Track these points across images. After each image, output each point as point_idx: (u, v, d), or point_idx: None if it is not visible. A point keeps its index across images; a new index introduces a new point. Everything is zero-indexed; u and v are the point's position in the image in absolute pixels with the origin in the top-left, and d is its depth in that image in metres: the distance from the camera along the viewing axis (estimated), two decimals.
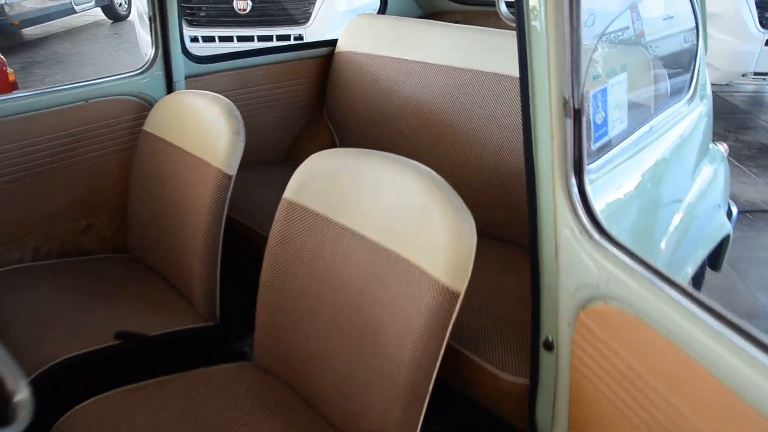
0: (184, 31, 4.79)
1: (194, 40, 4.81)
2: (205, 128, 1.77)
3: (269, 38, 4.67)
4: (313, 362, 1.41)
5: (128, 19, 9.48)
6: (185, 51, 2.11)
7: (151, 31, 1.99)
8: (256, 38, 4.73)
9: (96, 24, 9.51)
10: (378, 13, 2.60)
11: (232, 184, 1.68)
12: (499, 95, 1.91)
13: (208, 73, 2.22)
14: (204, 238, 1.71)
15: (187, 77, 2.16)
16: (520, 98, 1.01)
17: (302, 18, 4.71)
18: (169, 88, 2.10)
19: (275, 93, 2.45)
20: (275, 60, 2.40)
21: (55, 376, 1.46)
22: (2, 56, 3.46)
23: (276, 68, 2.41)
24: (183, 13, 4.82)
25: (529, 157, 1.03)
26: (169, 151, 1.88)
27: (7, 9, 7.85)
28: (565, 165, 0.96)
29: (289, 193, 1.43)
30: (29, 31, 8.72)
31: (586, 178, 0.96)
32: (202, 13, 4.83)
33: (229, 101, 1.76)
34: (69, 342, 1.53)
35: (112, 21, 9.57)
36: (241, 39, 4.73)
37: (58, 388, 1.46)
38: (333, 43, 2.47)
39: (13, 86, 3.41)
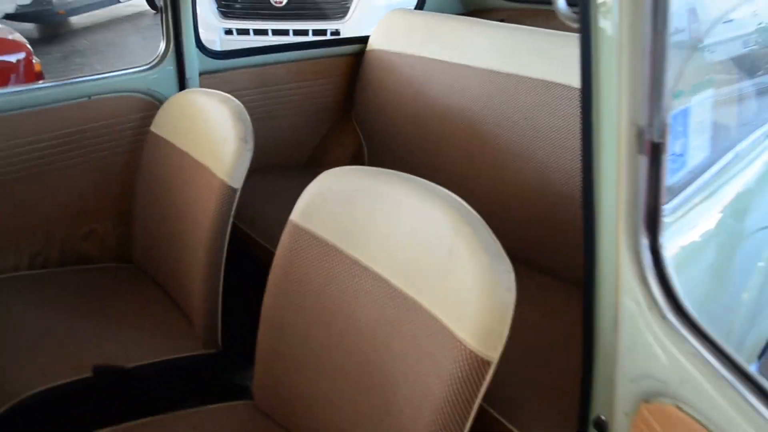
0: (218, 23, 4.71)
1: (228, 32, 4.67)
2: (211, 132, 1.58)
3: (305, 33, 4.49)
4: (317, 411, 1.21)
5: None
6: (200, 45, 1.92)
7: (161, 22, 1.81)
8: (291, 32, 4.57)
9: (140, 14, 9.54)
10: (415, 8, 2.37)
11: (237, 198, 1.48)
12: (547, 105, 1.66)
13: (224, 69, 2.04)
14: (205, 255, 1.52)
15: (201, 74, 1.98)
16: (581, 120, 0.77)
17: (340, 13, 4.52)
18: (182, 85, 1.92)
19: (299, 93, 2.25)
20: (299, 57, 2.20)
21: (28, 411, 1.29)
22: (29, 46, 3.37)
23: (300, 66, 2.21)
24: (218, 4, 4.68)
25: (588, 199, 0.79)
26: (175, 156, 1.70)
27: None
28: (634, 217, 0.73)
29: (296, 215, 1.23)
30: (76, 20, 8.78)
31: (662, 238, 0.72)
32: (238, 5, 4.69)
33: (239, 103, 1.57)
34: (48, 371, 1.37)
35: (155, 12, 9.59)
36: (276, 33, 4.57)
37: (29, 425, 1.30)
38: (364, 40, 2.25)
39: (38, 76, 3.31)
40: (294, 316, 1.23)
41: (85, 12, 8.55)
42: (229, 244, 1.53)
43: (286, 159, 2.34)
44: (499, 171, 1.78)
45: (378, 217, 1.09)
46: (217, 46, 4.02)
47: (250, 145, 1.48)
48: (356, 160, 2.31)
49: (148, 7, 9.63)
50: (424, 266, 0.99)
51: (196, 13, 1.86)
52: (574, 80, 1.68)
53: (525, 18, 2.19)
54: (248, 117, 1.52)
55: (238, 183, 1.47)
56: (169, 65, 1.88)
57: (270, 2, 4.58)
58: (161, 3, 1.77)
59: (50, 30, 8.32)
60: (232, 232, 1.52)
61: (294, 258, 1.22)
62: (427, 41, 2.00)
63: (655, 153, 0.67)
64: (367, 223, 1.11)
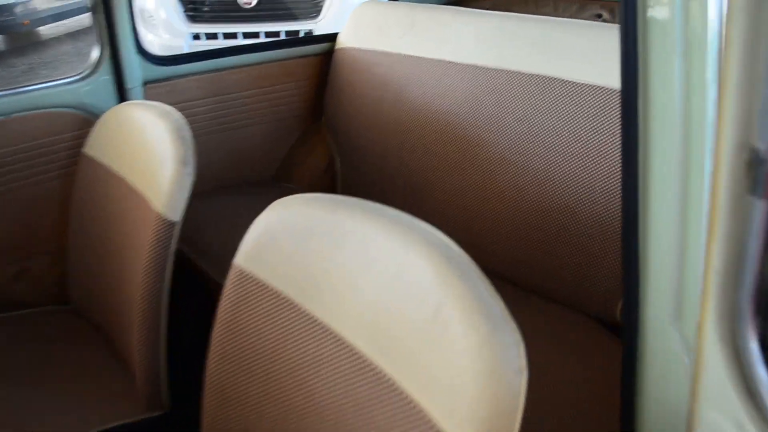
0: (185, 28, 4.43)
1: (196, 37, 4.40)
2: (148, 154, 1.32)
3: (276, 35, 4.23)
4: None
5: None
6: (141, 49, 1.66)
7: (94, 24, 1.55)
8: (262, 35, 4.30)
9: None
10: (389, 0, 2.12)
11: (176, 233, 1.23)
12: (545, 105, 1.42)
13: (173, 77, 1.78)
14: (143, 300, 1.26)
15: (147, 83, 1.72)
16: (622, 139, 0.52)
17: (313, 12, 4.26)
18: (122, 97, 1.66)
19: (261, 100, 1.99)
20: (260, 60, 1.94)
21: None
22: None
23: (262, 69, 1.95)
24: (185, 8, 4.41)
25: (632, 264, 0.54)
26: (111, 182, 1.44)
27: (18, 9, 7.58)
28: (733, 297, 0.47)
29: (241, 257, 0.97)
30: (45, 30, 8.44)
31: None
32: (205, 8, 4.42)
33: (179, 116, 1.31)
34: None
35: None
36: (246, 36, 4.30)
37: None
38: (333, 37, 2.00)
39: None
40: (244, 384, 0.97)
41: (52, 22, 8.21)
42: (179, 281, 1.28)
43: (251, 175, 2.08)
44: (491, 183, 1.53)
45: (341, 261, 0.84)
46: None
47: (191, 169, 1.22)
48: (328, 173, 2.06)
49: None
50: (401, 332, 0.74)
51: (133, 12, 1.59)
52: (575, 74, 1.44)
53: (513, 5, 1.95)
54: (189, 134, 1.26)
55: (176, 215, 1.21)
56: (105, 74, 1.61)
57: (238, 4, 4.31)
58: (90, 1, 1.51)
59: (17, 41, 7.98)
60: (183, 266, 1.27)
61: (240, 311, 0.97)
62: (405, 36, 1.75)
63: None
64: (327, 268, 0.85)
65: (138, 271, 1.26)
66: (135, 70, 1.66)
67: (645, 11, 0.51)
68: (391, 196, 1.81)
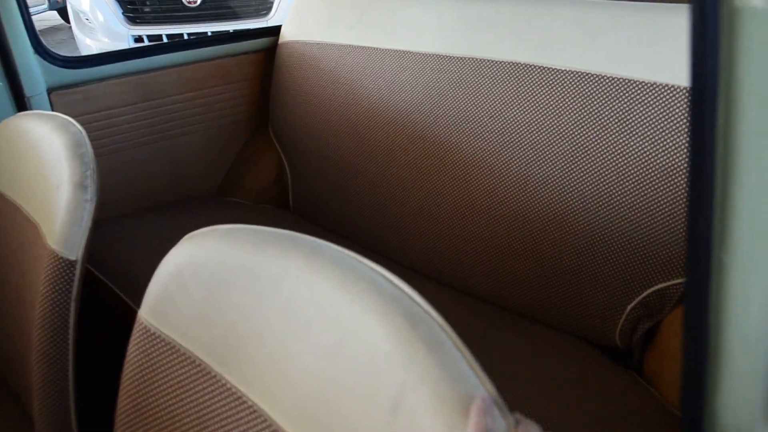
0: (126, 30, 4.12)
1: (138, 40, 4.09)
2: (43, 174, 1.07)
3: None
4: None
5: None
6: (41, 50, 1.40)
7: None
8: (209, 35, 4.02)
9: (55, 28, 8.74)
10: None
11: (77, 274, 0.98)
12: (521, 97, 1.21)
13: (87, 81, 1.52)
14: (40, 363, 1.01)
15: (53, 89, 1.46)
16: (691, 158, 0.32)
17: (263, 9, 4.00)
18: (21, 106, 1.39)
19: (198, 104, 1.75)
20: (193, 58, 1.69)
21: None
22: None
23: (196, 69, 1.70)
24: (123, 9, 4.10)
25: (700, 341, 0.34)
26: (5, 209, 1.18)
27: None
28: None
29: (145, 309, 0.73)
30: None
31: None
32: (147, 9, 4.11)
33: (79, 130, 1.06)
34: None
35: (70, 25, 8.82)
36: (192, 36, 4.02)
37: None
38: (275, 31, 1.76)
39: None
40: None
41: None
42: (104, 321, 1.04)
43: (191, 188, 1.83)
44: (464, 189, 1.32)
45: (267, 320, 0.61)
46: None
47: (91, 194, 0.97)
48: (278, 184, 1.82)
49: (62, 21, 8.83)
50: (346, 424, 0.52)
51: (25, 4, 1.33)
52: (555, 60, 1.24)
53: None
54: (89, 150, 1.02)
55: (75, 252, 0.96)
56: None
57: (182, 3, 4.02)
58: None
59: None
60: (108, 303, 1.02)
61: (146, 380, 0.73)
62: (358, 25, 1.53)
63: None
64: (250, 328, 0.63)
65: (36, 321, 1.01)
66: (35, 74, 1.39)
67: None
68: (349, 207, 1.59)
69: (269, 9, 3.96)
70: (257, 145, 1.85)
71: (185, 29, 4.02)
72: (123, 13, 4.10)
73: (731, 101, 0.42)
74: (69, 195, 0.97)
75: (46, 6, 8.22)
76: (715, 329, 0.40)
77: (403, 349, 0.49)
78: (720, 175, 0.43)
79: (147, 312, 0.73)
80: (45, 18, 8.62)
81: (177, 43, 1.71)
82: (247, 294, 0.63)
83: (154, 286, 0.72)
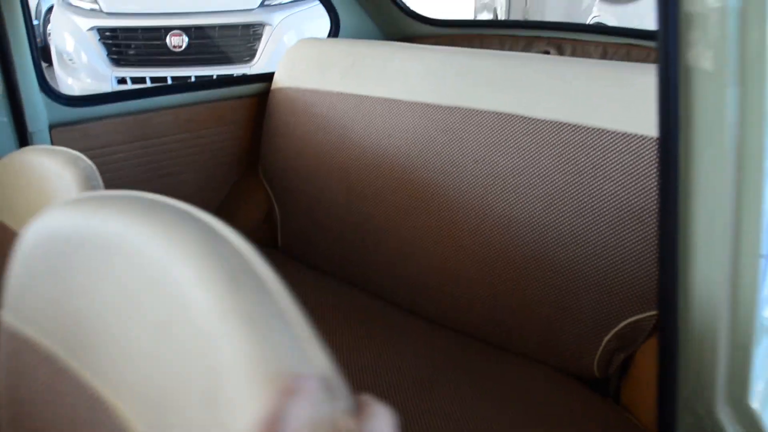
0: (109, 71, 4.18)
1: (122, 81, 4.16)
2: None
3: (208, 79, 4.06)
4: None
5: None
6: (46, 87, 1.45)
7: None
8: (193, 79, 4.11)
9: None
10: (328, 37, 2.01)
11: None
12: (504, 143, 1.31)
13: (87, 119, 1.57)
14: None
15: (55, 126, 1.51)
16: (660, 194, 0.41)
17: (247, 55, 4.12)
18: (23, 142, 1.44)
19: (192, 144, 1.81)
20: (190, 101, 1.76)
21: None
22: None
23: (191, 111, 1.77)
24: (108, 51, 4.18)
25: (671, 257, 0.42)
26: (10, 242, 1.21)
27: None
28: None
29: (7, 307, 0.65)
30: None
31: None
32: (131, 51, 4.20)
33: (89, 165, 1.11)
34: None
35: (47, 65, 8.84)
36: (176, 80, 4.10)
37: None
38: (268, 77, 1.85)
39: None
40: None
41: None
42: None
43: None
44: (449, 230, 1.40)
45: (107, 298, 0.54)
46: None
47: None
48: (267, 223, 1.88)
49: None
50: (176, 413, 0.47)
51: (35, 44, 1.39)
52: (535, 111, 1.35)
53: (457, 43, 1.87)
54: (101, 183, 1.07)
55: None
56: (1, 116, 1.39)
57: (167, 47, 4.12)
58: None
59: None
60: None
61: (18, 379, 0.64)
62: (348, 74, 1.63)
63: None
64: (92, 311, 0.55)
65: None
66: (39, 111, 1.44)
67: (688, 42, 0.41)
68: (337, 247, 1.65)
69: (253, 56, 4.09)
70: (247, 186, 1.91)
71: (169, 73, 4.10)
72: (107, 55, 4.17)
73: (689, 149, 0.51)
74: None
75: None
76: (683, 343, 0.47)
77: (221, 319, 0.44)
78: (682, 212, 0.52)
79: (7, 309, 0.65)
80: None
81: (174, 85, 1.79)
82: (89, 271, 0.55)
83: (11, 279, 0.65)
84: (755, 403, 0.44)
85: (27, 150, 1.31)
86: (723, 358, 0.46)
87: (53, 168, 1.15)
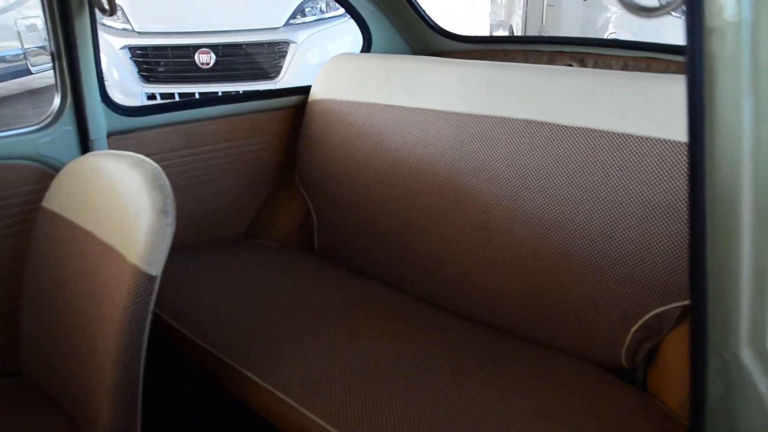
0: (139, 88, 4.35)
1: (151, 97, 4.32)
2: (121, 205, 1.21)
3: None
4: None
5: None
6: (106, 99, 1.57)
7: (54, 71, 1.46)
8: (220, 95, 4.26)
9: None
10: (361, 52, 2.13)
11: (156, 288, 1.11)
12: (533, 148, 1.40)
13: (139, 128, 1.69)
14: (115, 368, 1.12)
15: (111, 134, 1.63)
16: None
17: (272, 72, 4.27)
18: (84, 148, 1.55)
19: (232, 154, 1.92)
20: (231, 112, 1.88)
21: None
22: None
23: (232, 122, 1.89)
24: (139, 68, 4.34)
25: (699, 227, 0.50)
26: (75, 237, 1.32)
27: None
28: None
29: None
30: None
31: None
32: (161, 69, 4.36)
33: (155, 165, 1.21)
34: None
35: None
36: (202, 96, 4.25)
37: None
38: (305, 90, 1.97)
39: None
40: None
41: (11, 79, 7.92)
42: (150, 344, 1.16)
43: (220, 232, 1.98)
44: (481, 231, 1.49)
45: None
46: None
47: (171, 218, 1.12)
48: (304, 229, 1.98)
49: None
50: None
51: (99, 60, 1.52)
52: (563, 118, 1.42)
53: (482, 58, 1.97)
54: (168, 183, 1.17)
55: (156, 269, 1.10)
56: (68, 125, 1.51)
57: (196, 64, 4.28)
58: (52, 47, 1.42)
59: None
60: (153, 327, 1.15)
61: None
62: (383, 86, 1.73)
63: None
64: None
65: (110, 334, 1.13)
66: (99, 120, 1.56)
67: (711, 55, 0.50)
68: (374, 250, 1.75)
69: (278, 72, 4.23)
70: (284, 193, 2.02)
71: (197, 89, 4.26)
72: (138, 72, 4.34)
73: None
74: (152, 219, 1.12)
75: (51, 64, 8.49)
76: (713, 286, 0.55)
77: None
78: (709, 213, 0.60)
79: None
80: (47, 75, 8.90)
81: (217, 98, 1.90)
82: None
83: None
84: None
85: (93, 154, 1.43)
86: (746, 307, 0.54)
87: (121, 169, 1.26)
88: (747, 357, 0.54)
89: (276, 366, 1.29)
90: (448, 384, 1.24)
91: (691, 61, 0.59)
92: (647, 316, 1.25)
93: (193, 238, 1.92)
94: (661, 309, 1.23)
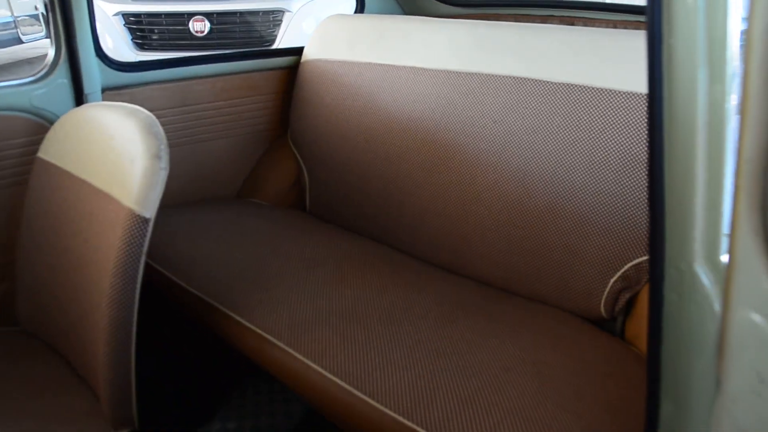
0: (133, 55, 4.33)
1: None
2: (116, 152, 1.24)
3: None
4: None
5: None
6: (101, 53, 1.59)
7: (48, 23, 1.47)
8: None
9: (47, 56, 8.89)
10: (355, 13, 2.13)
11: (149, 231, 1.15)
12: (520, 105, 1.43)
13: (135, 84, 1.71)
14: (112, 309, 1.16)
15: (106, 89, 1.65)
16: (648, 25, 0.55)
17: (267, 41, 4.25)
18: (79, 102, 1.57)
19: (226, 112, 1.94)
20: (226, 70, 1.89)
21: None
22: None
23: (227, 81, 1.91)
24: (132, 35, 4.32)
25: (657, 155, 0.54)
26: (71, 186, 1.35)
27: None
28: (765, 189, 0.47)
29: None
30: None
31: None
32: (155, 36, 4.33)
33: (149, 114, 1.24)
34: None
35: None
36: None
37: None
38: (299, 51, 1.98)
39: None
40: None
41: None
42: (144, 292, 1.20)
43: (214, 189, 2.01)
44: (469, 186, 1.52)
45: None
46: None
47: (165, 163, 1.15)
48: (296, 187, 2.01)
49: None
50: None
51: (93, 14, 1.53)
52: (548, 75, 1.47)
53: None
54: (161, 130, 1.20)
55: (150, 211, 1.13)
56: (62, 77, 1.53)
57: (190, 32, 4.25)
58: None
59: None
60: (146, 277, 1.18)
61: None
62: (375, 45, 1.75)
63: None
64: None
65: (106, 276, 1.16)
66: (94, 74, 1.58)
67: (670, 18, 0.54)
68: (364, 207, 1.78)
69: (273, 41, 4.21)
70: (277, 153, 2.05)
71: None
72: (132, 39, 4.31)
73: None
74: (146, 164, 1.15)
75: (43, 33, 8.42)
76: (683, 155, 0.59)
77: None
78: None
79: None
80: (39, 46, 8.79)
81: (212, 55, 1.91)
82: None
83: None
84: (724, 257, 0.57)
85: (87, 106, 1.45)
86: (700, 223, 0.57)
87: (116, 118, 1.28)
88: (700, 267, 0.58)
89: (265, 311, 1.34)
90: (433, 329, 1.29)
91: (651, 23, 0.62)
92: (626, 267, 1.30)
93: (187, 196, 1.95)
94: (639, 260, 1.27)
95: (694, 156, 0.60)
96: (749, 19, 0.53)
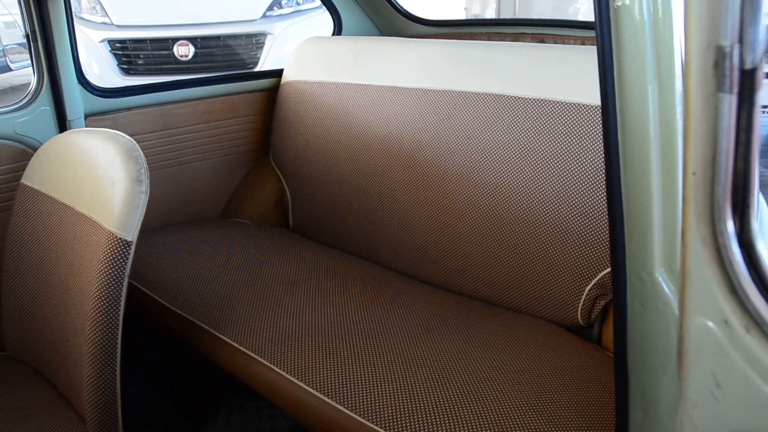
0: (119, 80, 4.36)
1: None
2: (97, 177, 1.26)
3: None
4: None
5: None
6: (83, 80, 1.62)
7: (30, 52, 1.50)
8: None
9: None
10: (332, 35, 2.18)
11: (131, 254, 1.17)
12: (490, 121, 1.48)
13: (117, 110, 1.74)
14: (94, 331, 1.18)
15: (88, 116, 1.67)
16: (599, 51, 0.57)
17: (250, 63, 4.31)
18: (62, 129, 1.60)
19: (208, 134, 1.97)
20: (207, 94, 1.93)
21: None
22: None
23: (208, 104, 1.94)
24: (118, 61, 4.36)
25: (614, 169, 0.57)
26: (54, 211, 1.37)
27: None
28: (710, 193, 0.50)
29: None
30: None
31: (755, 222, 0.50)
32: (140, 61, 4.38)
33: (130, 138, 1.27)
34: None
35: None
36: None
37: None
38: (278, 73, 2.02)
39: None
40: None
41: None
42: (129, 313, 1.22)
43: (198, 210, 2.03)
44: (447, 201, 1.56)
45: None
46: None
47: (145, 186, 1.18)
48: (278, 207, 2.04)
49: None
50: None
51: (75, 42, 1.56)
52: (518, 90, 1.52)
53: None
54: (142, 154, 1.23)
55: (131, 234, 1.15)
56: (45, 105, 1.56)
57: (175, 56, 4.30)
58: (27, 28, 1.47)
59: None
60: (131, 298, 1.20)
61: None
62: (352, 66, 1.80)
63: (746, 87, 0.46)
64: None
65: (89, 298, 1.18)
66: (76, 101, 1.61)
67: (618, 36, 0.58)
68: (346, 224, 1.81)
69: (256, 64, 4.27)
70: (259, 173, 2.08)
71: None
72: (117, 65, 4.35)
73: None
74: (126, 187, 1.17)
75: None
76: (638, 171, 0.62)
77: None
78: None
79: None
80: (29, 73, 8.81)
81: (193, 80, 1.95)
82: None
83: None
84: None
85: (69, 132, 1.47)
86: (658, 234, 0.61)
87: (96, 144, 1.31)
88: (660, 275, 0.61)
89: (249, 328, 1.36)
90: (414, 342, 1.31)
91: (601, 41, 0.66)
92: (600, 275, 1.33)
93: (171, 218, 1.97)
94: None
95: (649, 168, 0.64)
96: (685, 35, 0.56)
